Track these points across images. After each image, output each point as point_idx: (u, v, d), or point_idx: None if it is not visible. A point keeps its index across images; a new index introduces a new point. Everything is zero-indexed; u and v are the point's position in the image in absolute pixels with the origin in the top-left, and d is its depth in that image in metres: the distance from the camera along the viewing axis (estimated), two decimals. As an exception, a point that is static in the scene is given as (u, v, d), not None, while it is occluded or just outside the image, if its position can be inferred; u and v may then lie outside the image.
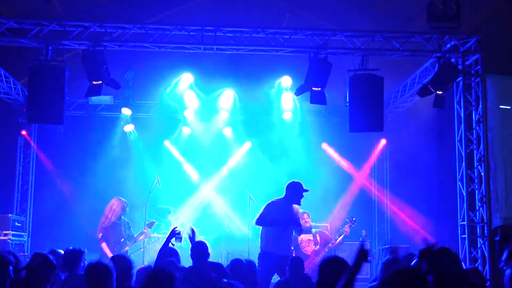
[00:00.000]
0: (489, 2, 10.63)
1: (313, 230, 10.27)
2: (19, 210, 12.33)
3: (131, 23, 9.67)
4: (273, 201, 8.53)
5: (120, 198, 10.06)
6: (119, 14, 10.53)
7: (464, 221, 9.82)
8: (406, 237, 12.20)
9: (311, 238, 10.22)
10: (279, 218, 8.22)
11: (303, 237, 9.95)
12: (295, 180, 8.54)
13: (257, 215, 8.46)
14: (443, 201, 11.72)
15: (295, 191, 8.40)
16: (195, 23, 9.76)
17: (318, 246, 10.01)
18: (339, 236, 10.09)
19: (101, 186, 12.25)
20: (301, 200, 8.37)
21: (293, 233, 8.64)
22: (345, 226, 10.16)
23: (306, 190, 8.36)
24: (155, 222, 10.43)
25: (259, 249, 8.40)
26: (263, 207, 8.51)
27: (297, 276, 6.70)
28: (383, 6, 11.21)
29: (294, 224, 8.30)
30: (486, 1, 10.62)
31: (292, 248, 8.75)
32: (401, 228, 12.67)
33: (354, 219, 10.30)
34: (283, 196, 8.51)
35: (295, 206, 8.39)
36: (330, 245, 9.93)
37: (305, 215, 9.80)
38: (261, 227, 8.42)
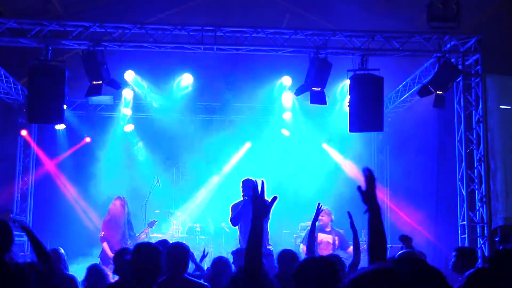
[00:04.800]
0: (489, 2, 10.63)
1: (328, 229, 9.61)
2: (19, 210, 12.32)
3: (131, 23, 9.67)
4: (235, 203, 8.89)
5: (122, 197, 10.04)
6: (119, 14, 10.54)
7: (464, 221, 9.83)
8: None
9: (331, 241, 9.53)
10: (240, 214, 8.61)
11: (323, 237, 9.53)
12: (247, 178, 8.73)
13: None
14: (443, 201, 11.71)
15: (244, 187, 8.68)
16: (195, 23, 9.77)
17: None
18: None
19: (101, 186, 12.25)
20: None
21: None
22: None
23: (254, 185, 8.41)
24: (156, 221, 10.39)
25: None
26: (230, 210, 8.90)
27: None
28: (383, 6, 11.21)
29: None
30: (486, 1, 10.62)
31: (270, 247, 8.56)
32: (401, 228, 12.63)
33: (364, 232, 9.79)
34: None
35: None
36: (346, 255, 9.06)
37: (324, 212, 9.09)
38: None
